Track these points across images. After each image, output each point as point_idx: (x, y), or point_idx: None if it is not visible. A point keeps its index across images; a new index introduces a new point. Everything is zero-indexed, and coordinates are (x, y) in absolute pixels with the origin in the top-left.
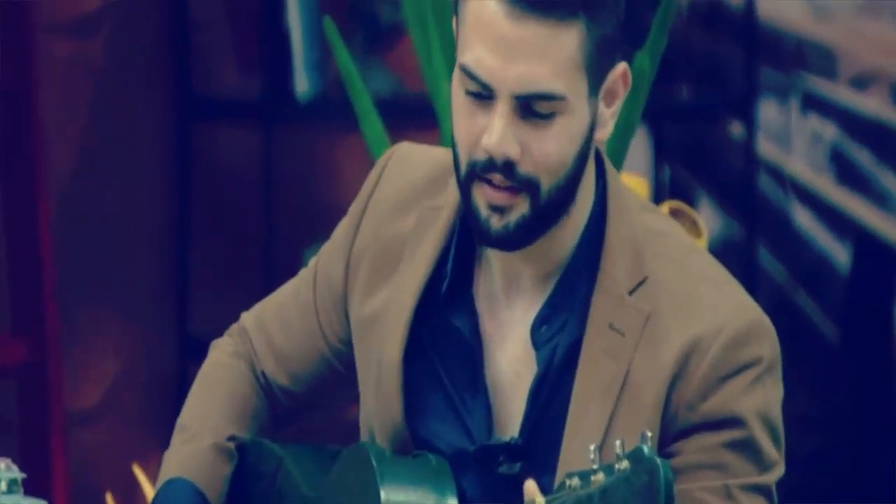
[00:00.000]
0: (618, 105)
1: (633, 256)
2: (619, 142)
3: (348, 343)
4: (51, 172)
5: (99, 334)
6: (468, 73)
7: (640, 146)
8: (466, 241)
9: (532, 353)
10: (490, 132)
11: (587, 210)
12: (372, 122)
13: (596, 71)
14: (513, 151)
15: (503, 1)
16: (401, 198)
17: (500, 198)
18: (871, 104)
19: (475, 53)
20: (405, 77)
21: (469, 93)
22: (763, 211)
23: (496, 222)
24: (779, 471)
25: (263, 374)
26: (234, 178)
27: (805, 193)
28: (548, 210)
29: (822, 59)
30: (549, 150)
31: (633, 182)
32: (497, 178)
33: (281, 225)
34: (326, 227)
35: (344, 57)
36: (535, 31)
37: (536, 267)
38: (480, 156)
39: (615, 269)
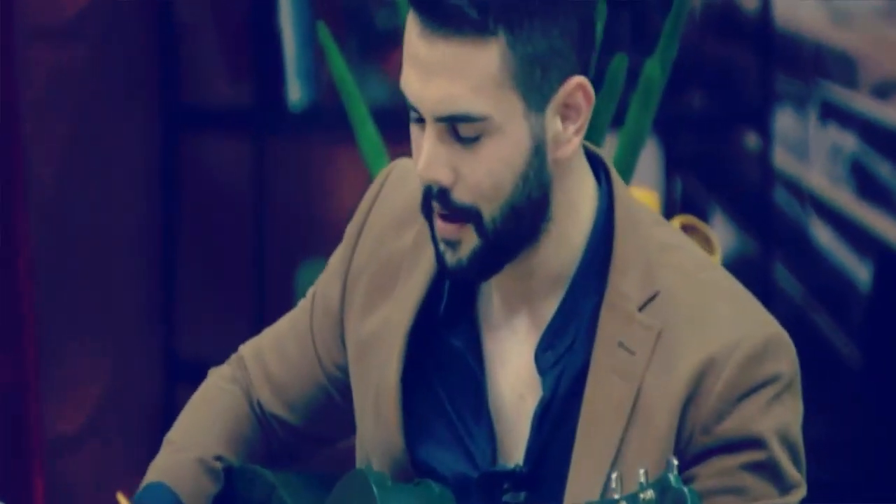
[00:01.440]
0: (583, 120)
1: (644, 270)
2: (628, 154)
3: (345, 370)
4: (30, 187)
5: (80, 357)
6: (403, 95)
7: (650, 158)
8: None
9: (536, 375)
10: (420, 157)
11: (582, 223)
12: (368, 133)
13: (531, 88)
14: (442, 176)
15: (416, 21)
16: (400, 214)
17: (447, 230)
18: (893, 114)
19: (404, 76)
20: None
21: (412, 118)
22: (780, 226)
23: (450, 257)
24: (801, 493)
25: (259, 403)
26: (224, 191)
27: (824, 208)
28: (499, 240)
29: (841, 67)
30: (480, 174)
31: (643, 196)
32: (436, 205)
33: (273, 241)
34: (321, 243)
35: (339, 64)
36: (445, 51)
37: (534, 285)
38: (422, 184)
39: (624, 283)
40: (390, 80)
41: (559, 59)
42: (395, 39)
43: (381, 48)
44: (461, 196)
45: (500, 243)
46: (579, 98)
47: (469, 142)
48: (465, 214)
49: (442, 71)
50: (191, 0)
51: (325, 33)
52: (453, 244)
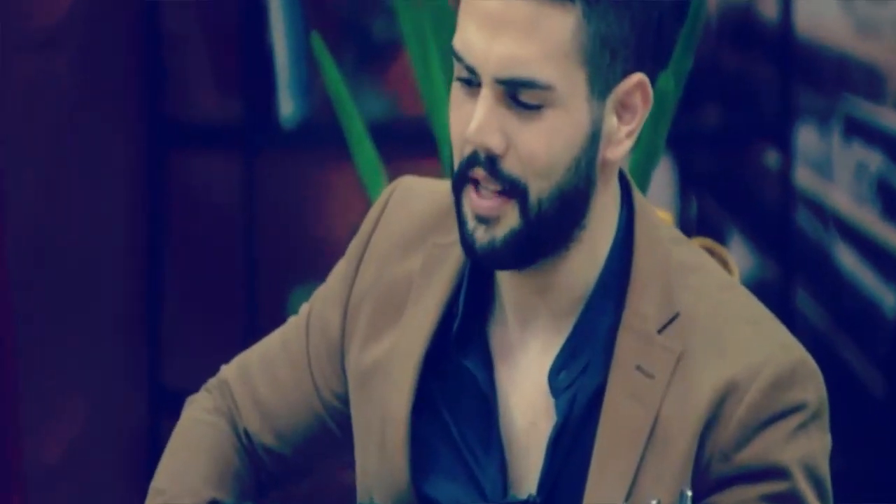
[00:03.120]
0: (637, 124)
1: (664, 291)
2: (641, 171)
3: (344, 399)
4: (7, 207)
5: (60, 385)
6: (456, 56)
7: (664, 176)
8: (479, 278)
9: (550, 400)
10: (472, 119)
11: (608, 239)
12: (365, 150)
13: (598, 70)
14: (494, 141)
15: None
16: (407, 235)
17: (486, 207)
18: None
19: (463, 34)
20: (401, 99)
21: (459, 79)
22: (801, 249)
23: (482, 235)
24: None
25: (246, 432)
26: (212, 211)
27: (848, 229)
28: (540, 226)
29: (866, 79)
30: (536, 146)
31: None
32: (480, 173)
33: (264, 265)
34: (315, 266)
35: (334, 77)
36: (521, 8)
37: (553, 302)
38: (467, 150)
39: (643, 304)
40: (388, 94)
41: (627, 49)
42: (393, 50)
43: (378, 60)
44: (511, 166)
45: (539, 230)
46: (637, 99)
47: (530, 109)
48: (510, 188)
49: (513, 29)
50: (177, 9)
51: (319, 44)
52: (489, 221)
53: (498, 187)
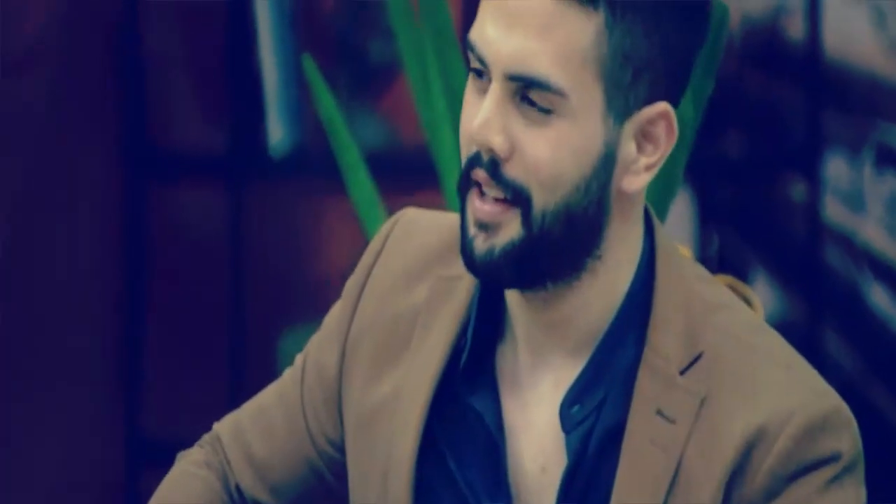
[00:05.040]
0: (658, 158)
1: (687, 329)
2: (658, 203)
3: (339, 447)
4: None
5: (33, 436)
6: (470, 48)
7: (682, 209)
8: (488, 313)
9: (561, 441)
10: (477, 115)
11: (629, 274)
12: (360, 181)
13: (618, 89)
14: (497, 141)
15: None
16: (410, 268)
17: (487, 212)
18: None
19: (478, 25)
20: (400, 126)
21: (473, 70)
22: (830, 287)
23: (481, 243)
24: None
25: (238, 488)
26: (196, 248)
27: (880, 266)
28: (543, 243)
29: None
30: (540, 154)
31: None
32: (481, 175)
33: (252, 304)
34: (307, 307)
35: (327, 102)
36: (541, 4)
37: (566, 339)
38: (471, 149)
39: (664, 343)
40: (386, 121)
41: (653, 73)
42: (391, 74)
43: (375, 84)
44: (514, 173)
45: (542, 246)
46: (661, 129)
47: (539, 113)
48: (514, 196)
49: (529, 23)
50: (159, 30)
51: (311, 67)
52: (489, 227)
53: (500, 194)
